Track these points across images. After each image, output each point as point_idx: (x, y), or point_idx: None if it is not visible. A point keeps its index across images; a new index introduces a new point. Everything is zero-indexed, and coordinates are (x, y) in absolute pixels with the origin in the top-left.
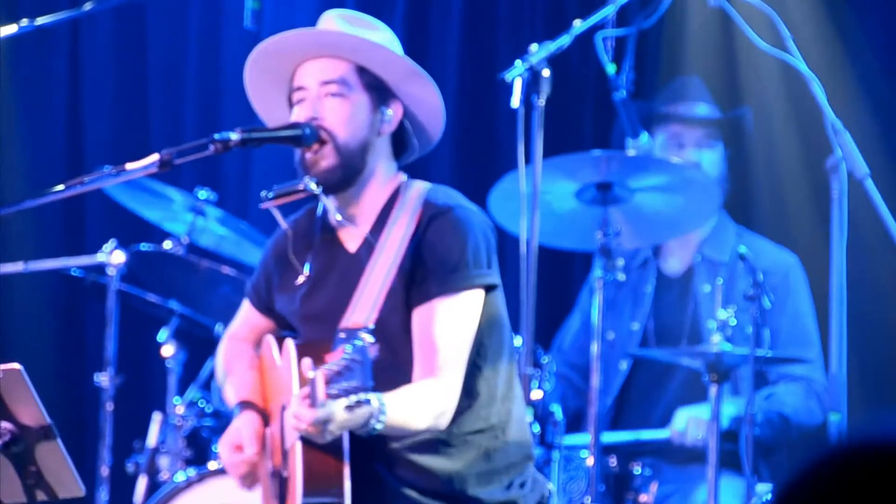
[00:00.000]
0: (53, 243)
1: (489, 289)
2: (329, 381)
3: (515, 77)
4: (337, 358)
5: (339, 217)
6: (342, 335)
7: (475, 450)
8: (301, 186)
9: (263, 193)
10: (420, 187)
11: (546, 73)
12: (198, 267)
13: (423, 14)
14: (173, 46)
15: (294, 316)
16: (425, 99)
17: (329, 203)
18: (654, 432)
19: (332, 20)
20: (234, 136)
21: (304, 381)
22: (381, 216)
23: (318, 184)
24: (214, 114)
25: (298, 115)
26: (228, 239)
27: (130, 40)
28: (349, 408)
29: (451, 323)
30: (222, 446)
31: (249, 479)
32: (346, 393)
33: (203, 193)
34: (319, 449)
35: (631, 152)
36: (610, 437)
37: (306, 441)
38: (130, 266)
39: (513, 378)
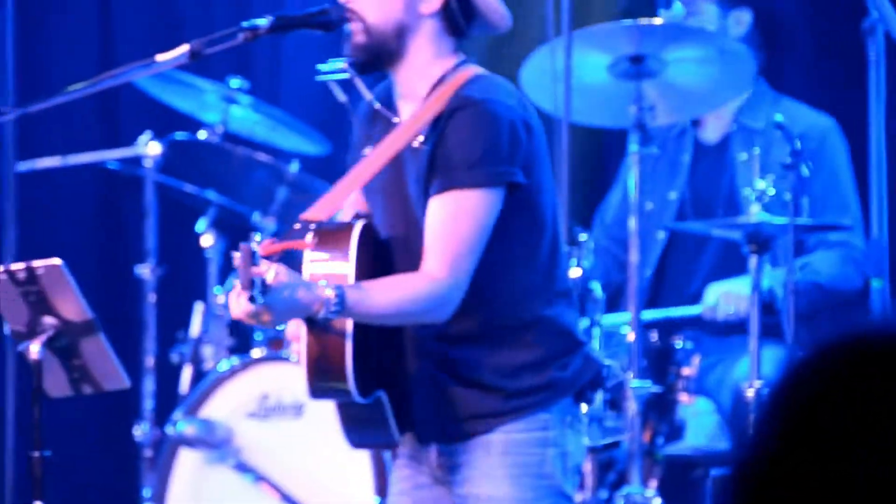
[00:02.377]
0: (89, 137)
1: (514, 187)
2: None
3: None
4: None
5: (370, 97)
6: (297, 226)
7: (508, 343)
8: (341, 69)
9: (319, 66)
10: (464, 75)
11: None
12: (233, 155)
13: None
14: None
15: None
16: None
17: (362, 85)
18: (687, 309)
19: None
20: (263, 23)
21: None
22: (423, 101)
23: (351, 64)
24: (244, 2)
25: None
26: (262, 125)
27: None
28: (279, 290)
29: (462, 218)
30: None
31: None
32: (248, 287)
33: (235, 82)
34: (325, 336)
35: (657, 21)
36: (642, 316)
37: (312, 328)
38: (167, 157)
39: (553, 274)
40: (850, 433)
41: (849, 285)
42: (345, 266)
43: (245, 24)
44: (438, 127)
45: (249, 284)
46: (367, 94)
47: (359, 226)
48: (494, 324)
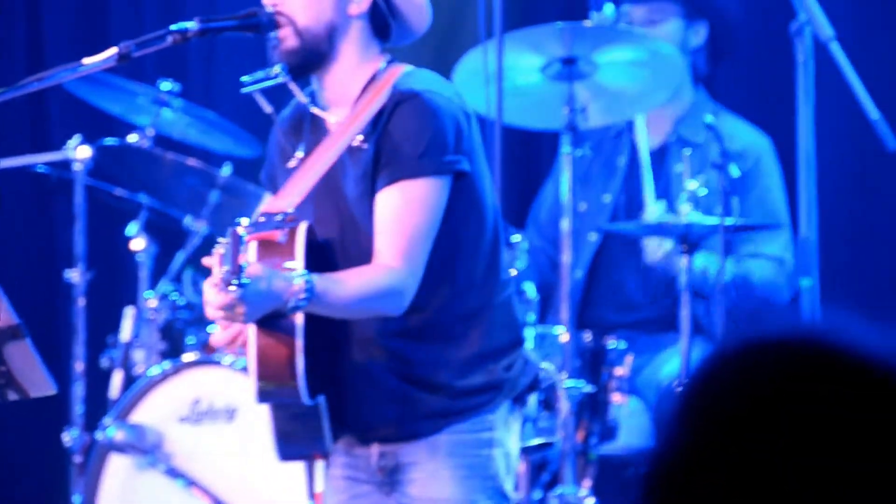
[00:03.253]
0: (18, 141)
1: (459, 175)
2: (220, 262)
3: None
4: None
5: (306, 101)
6: (261, 219)
7: (455, 337)
8: (273, 74)
9: (243, 79)
10: (395, 72)
11: None
12: (164, 159)
13: None
14: None
15: None
16: None
17: (296, 88)
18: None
19: None
20: (192, 26)
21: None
22: (355, 102)
23: (284, 68)
24: (176, 4)
25: (265, 0)
26: (194, 128)
27: None
28: (257, 280)
29: (413, 208)
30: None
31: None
32: (227, 276)
33: (166, 85)
34: (274, 336)
35: (588, 23)
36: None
37: (262, 327)
38: (97, 161)
39: (497, 263)
40: (763, 430)
41: (778, 295)
42: (293, 264)
43: (174, 27)
44: (380, 123)
45: (238, 270)
46: (302, 97)
47: (303, 226)
48: (441, 316)
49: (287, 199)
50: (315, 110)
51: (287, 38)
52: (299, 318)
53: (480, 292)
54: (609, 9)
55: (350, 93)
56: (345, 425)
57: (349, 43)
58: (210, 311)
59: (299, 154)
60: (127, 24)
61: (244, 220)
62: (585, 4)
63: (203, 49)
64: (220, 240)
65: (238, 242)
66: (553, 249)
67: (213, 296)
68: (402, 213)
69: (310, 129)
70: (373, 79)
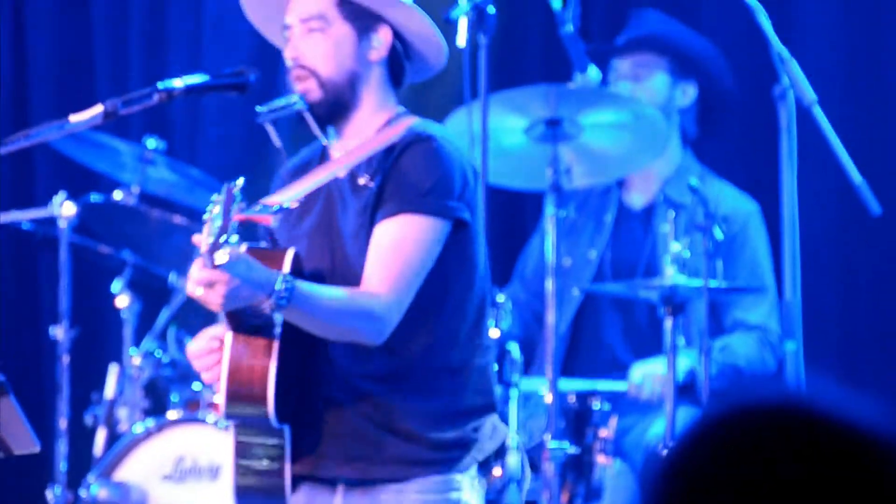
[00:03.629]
0: (3, 197)
1: (459, 224)
2: (207, 232)
3: (460, 16)
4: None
5: (322, 139)
6: (257, 207)
7: (432, 388)
8: (293, 100)
9: (258, 108)
10: (410, 119)
11: (491, 10)
12: (149, 216)
13: None
14: None
15: (286, 238)
16: (412, 25)
17: (311, 121)
18: (612, 384)
19: None
20: (179, 84)
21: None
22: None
23: (302, 99)
24: (162, 62)
25: (286, 54)
26: (179, 186)
27: None
28: (238, 264)
29: (409, 242)
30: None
31: None
32: (216, 236)
33: (152, 142)
34: (250, 350)
35: (572, 85)
36: (566, 385)
37: (238, 341)
38: (82, 217)
39: (481, 325)
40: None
41: (764, 369)
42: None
43: (160, 84)
44: (390, 158)
45: (225, 228)
46: (319, 133)
47: (291, 252)
48: (422, 365)
49: (285, 196)
50: (330, 145)
51: (311, 91)
52: (275, 345)
53: (462, 350)
54: (593, 70)
55: (367, 135)
56: (309, 463)
57: (370, 89)
58: (190, 287)
59: (300, 195)
60: (113, 81)
61: (239, 181)
62: (570, 66)
63: (189, 106)
64: (214, 197)
65: (231, 199)
66: (538, 304)
67: (196, 270)
68: (396, 245)
69: (317, 172)
70: (387, 124)
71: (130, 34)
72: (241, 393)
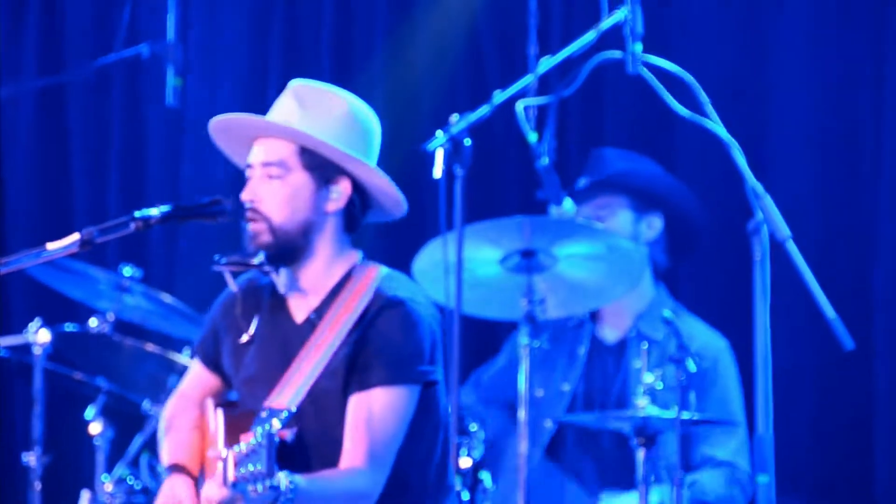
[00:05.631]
0: None
1: (428, 385)
2: (237, 464)
3: (437, 147)
4: (249, 439)
5: (283, 291)
6: (264, 414)
7: None
8: (254, 261)
9: (217, 257)
10: (373, 272)
11: (467, 142)
12: (123, 345)
13: (346, 85)
14: (95, 124)
15: (234, 377)
16: (372, 180)
17: (276, 279)
18: None
19: (289, 96)
20: (155, 213)
21: (214, 462)
22: (330, 294)
23: (265, 255)
24: (139, 191)
25: (243, 195)
26: (155, 314)
27: (52, 120)
28: (255, 494)
29: (386, 414)
30: None
31: None
32: (252, 476)
33: (128, 270)
34: None
35: (548, 217)
36: None
37: None
38: (56, 345)
39: (446, 465)
40: None
41: None
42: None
43: (137, 213)
44: (362, 325)
45: (270, 475)
46: (281, 286)
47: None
48: None
49: (287, 396)
50: (289, 294)
51: (261, 234)
52: None
53: (430, 499)
54: (568, 203)
55: (326, 284)
56: None
57: (324, 238)
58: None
59: (251, 330)
60: (90, 208)
61: (276, 424)
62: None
63: (165, 233)
64: (258, 431)
65: (274, 446)
66: (482, 409)
67: (216, 490)
68: (374, 419)
69: (268, 309)
70: (348, 275)
71: (108, 162)
72: None
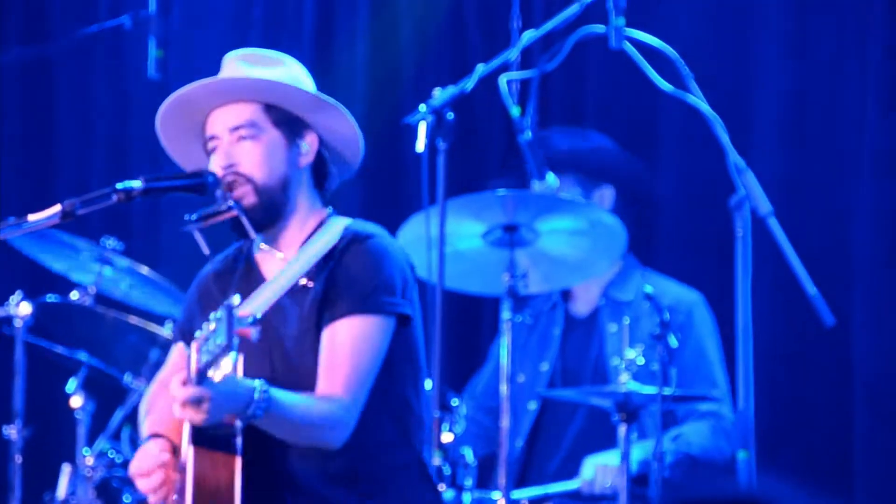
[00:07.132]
0: None
1: (403, 320)
2: (199, 349)
3: (419, 121)
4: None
5: (260, 242)
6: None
7: (388, 488)
8: (224, 207)
9: (187, 217)
10: (345, 220)
11: (450, 116)
12: (105, 317)
13: (328, 60)
14: (79, 95)
15: None
16: (338, 127)
17: (246, 222)
18: (564, 484)
19: (234, 63)
20: (137, 185)
21: None
22: (301, 246)
23: (236, 204)
24: (122, 163)
25: (215, 163)
26: (137, 288)
27: (35, 91)
28: (225, 381)
29: (358, 343)
30: (134, 477)
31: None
32: (214, 355)
33: (110, 242)
34: (212, 471)
35: (531, 191)
36: (519, 494)
37: (199, 458)
38: (37, 317)
39: (423, 419)
40: None
41: (719, 456)
42: None
43: (119, 185)
44: (331, 261)
45: (230, 348)
46: (252, 233)
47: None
48: (377, 463)
49: (253, 306)
50: (264, 247)
51: (246, 196)
52: (237, 460)
53: (411, 444)
54: (551, 177)
55: (298, 239)
56: None
57: (301, 194)
58: (175, 409)
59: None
60: (74, 180)
61: (235, 299)
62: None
63: (148, 206)
64: (213, 315)
65: (233, 319)
66: (487, 419)
67: (181, 389)
68: (348, 348)
69: (243, 277)
70: (320, 226)
71: (93, 134)
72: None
